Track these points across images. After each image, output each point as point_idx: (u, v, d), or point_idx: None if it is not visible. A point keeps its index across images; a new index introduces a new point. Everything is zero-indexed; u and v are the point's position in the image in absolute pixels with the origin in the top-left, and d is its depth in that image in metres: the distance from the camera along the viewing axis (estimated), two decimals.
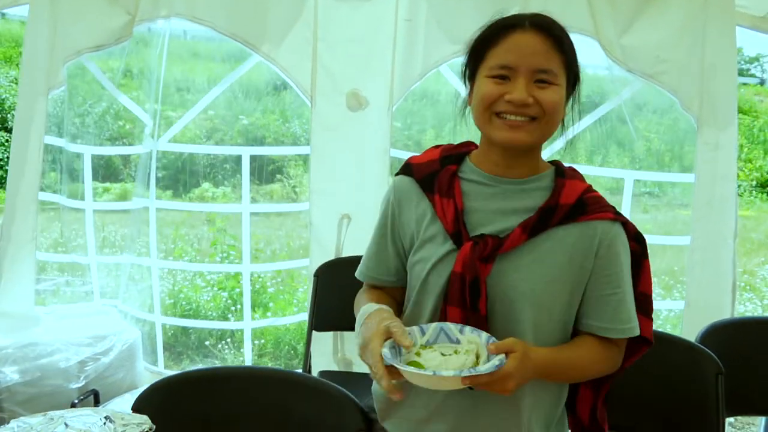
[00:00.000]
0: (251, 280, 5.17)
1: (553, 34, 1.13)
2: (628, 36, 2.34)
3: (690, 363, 1.87)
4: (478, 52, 1.18)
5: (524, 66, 1.12)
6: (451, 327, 1.13)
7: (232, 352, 3.83)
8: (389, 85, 2.54)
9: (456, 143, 1.31)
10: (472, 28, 2.46)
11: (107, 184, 6.22)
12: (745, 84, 19.66)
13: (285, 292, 4.83)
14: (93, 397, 2.44)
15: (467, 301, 1.15)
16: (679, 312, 2.41)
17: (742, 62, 20.47)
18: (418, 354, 1.08)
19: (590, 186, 1.24)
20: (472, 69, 1.20)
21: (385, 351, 1.05)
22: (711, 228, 2.34)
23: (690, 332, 2.13)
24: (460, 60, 2.51)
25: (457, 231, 1.19)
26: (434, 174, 1.25)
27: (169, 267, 4.80)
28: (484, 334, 1.10)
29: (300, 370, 2.39)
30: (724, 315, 2.26)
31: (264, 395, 1.41)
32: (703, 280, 2.37)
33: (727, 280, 2.35)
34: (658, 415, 1.88)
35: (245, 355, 2.89)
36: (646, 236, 1.27)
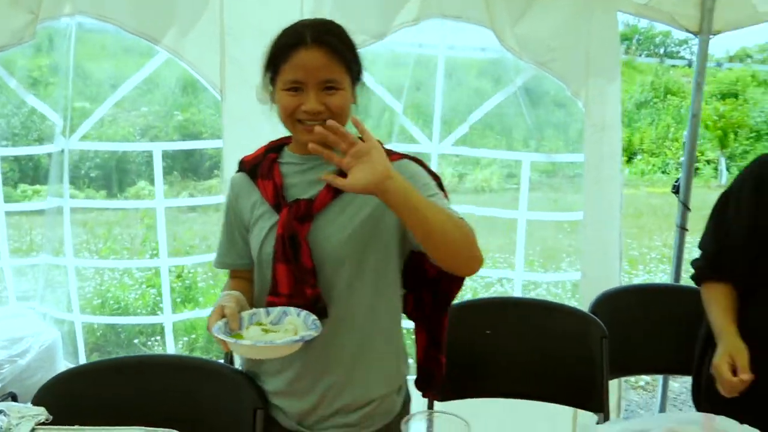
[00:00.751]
0: (183, 275, 5.18)
1: (332, 47, 1.34)
2: (521, 25, 2.46)
3: (578, 329, 2.03)
4: (274, 66, 1.37)
5: (312, 80, 1.33)
6: (292, 311, 1.34)
7: (160, 347, 3.84)
8: None
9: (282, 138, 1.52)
10: (376, 18, 2.54)
11: (37, 186, 6.05)
12: (674, 66, 20.52)
13: (216, 287, 4.86)
14: (11, 399, 2.43)
15: (290, 256, 1.36)
16: (578, 282, 2.56)
17: (672, 45, 21.34)
18: (247, 328, 1.31)
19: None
20: (272, 77, 1.39)
21: (219, 325, 1.26)
22: (600, 204, 2.51)
23: (586, 301, 2.28)
24: (368, 49, 2.59)
25: (278, 203, 1.41)
26: (258, 164, 1.47)
27: (88, 266, 4.76)
28: (311, 317, 1.32)
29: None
30: (614, 284, 2.43)
31: (164, 381, 1.47)
32: (595, 252, 2.54)
33: (615, 251, 2.53)
34: (552, 380, 2.03)
35: (168, 349, 2.91)
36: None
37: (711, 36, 2.53)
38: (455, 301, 2.12)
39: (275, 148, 1.51)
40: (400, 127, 2.59)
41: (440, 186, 1.46)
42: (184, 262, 4.77)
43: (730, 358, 1.39)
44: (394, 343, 1.53)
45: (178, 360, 1.71)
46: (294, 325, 1.31)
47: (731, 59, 23.38)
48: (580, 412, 2.00)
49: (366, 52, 2.53)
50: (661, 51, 21.55)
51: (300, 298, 1.36)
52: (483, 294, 4.33)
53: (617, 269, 2.54)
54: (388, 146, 1.38)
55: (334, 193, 1.40)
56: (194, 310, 4.10)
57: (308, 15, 2.56)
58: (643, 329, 2.19)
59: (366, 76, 2.70)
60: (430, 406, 1.98)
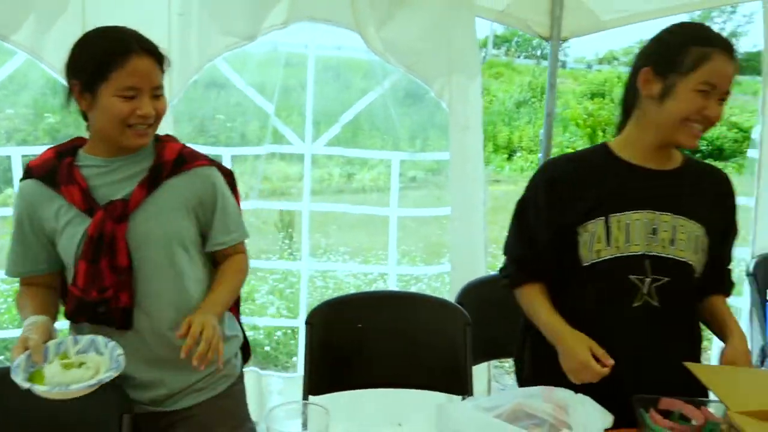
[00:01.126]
0: None
1: (155, 54, 1.45)
2: (386, 30, 2.55)
3: (444, 318, 2.14)
4: (100, 73, 1.39)
5: (146, 86, 1.42)
6: (100, 340, 1.39)
7: None
8: (168, 80, 2.55)
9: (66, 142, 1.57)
10: (245, 20, 2.54)
11: None
12: (547, 67, 21.66)
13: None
14: None
15: (91, 256, 1.44)
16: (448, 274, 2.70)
17: (548, 47, 22.56)
18: (50, 363, 1.32)
19: (185, 145, 1.61)
20: (92, 83, 1.41)
21: (19, 360, 1.29)
22: (466, 200, 2.66)
23: (455, 291, 2.40)
24: (237, 51, 2.58)
25: (89, 207, 1.45)
26: (54, 170, 1.48)
27: None
28: (117, 351, 1.37)
29: None
30: (480, 275, 2.58)
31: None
32: (463, 245, 2.68)
33: (480, 244, 2.69)
34: (422, 368, 2.13)
35: None
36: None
37: (560, 42, 2.74)
38: (331, 298, 2.18)
39: (66, 152, 1.51)
40: (273, 129, 2.62)
41: (233, 184, 1.67)
42: None
43: (590, 351, 1.46)
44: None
45: None
46: (95, 363, 1.35)
47: (600, 61, 25.08)
48: (448, 396, 2.10)
49: (237, 52, 2.56)
50: (538, 53, 22.75)
51: (95, 294, 1.45)
52: (366, 289, 4.43)
53: (483, 261, 2.69)
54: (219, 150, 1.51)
55: (147, 191, 1.48)
56: None
57: (175, 16, 2.53)
58: (505, 316, 2.33)
59: (236, 78, 2.71)
60: (305, 398, 2.03)
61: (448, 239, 2.69)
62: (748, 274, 2.76)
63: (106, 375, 1.30)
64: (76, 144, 1.54)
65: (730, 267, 1.67)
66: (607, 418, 1.35)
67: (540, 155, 2.88)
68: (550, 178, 1.58)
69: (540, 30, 2.72)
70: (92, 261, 1.44)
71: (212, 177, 1.59)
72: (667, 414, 1.42)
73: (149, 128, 1.47)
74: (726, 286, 1.67)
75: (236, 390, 1.72)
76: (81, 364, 1.33)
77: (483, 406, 1.46)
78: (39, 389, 1.24)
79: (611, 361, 1.43)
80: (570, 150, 14.06)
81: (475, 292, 2.36)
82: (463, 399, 2.06)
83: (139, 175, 1.51)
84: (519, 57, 20.87)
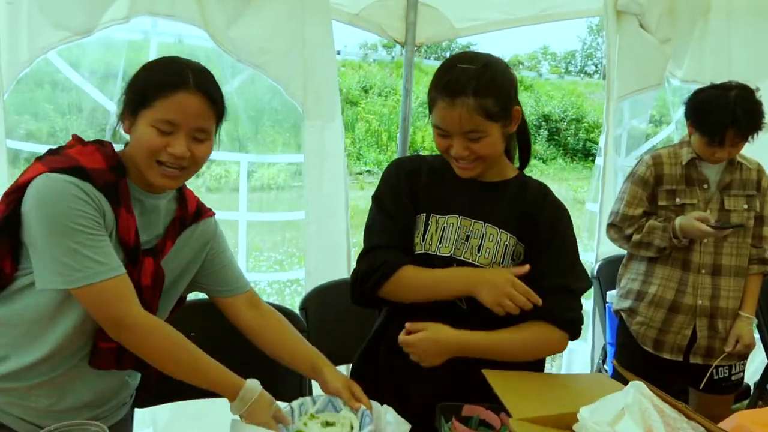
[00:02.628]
0: None
1: (211, 96, 1.34)
2: (236, 28, 2.48)
3: None
4: (145, 97, 1.30)
5: (186, 125, 1.30)
6: (338, 400, 1.44)
7: None
8: None
9: (103, 145, 1.37)
10: (81, 15, 2.39)
11: None
12: None
13: None
14: None
15: (153, 307, 1.40)
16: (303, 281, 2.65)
17: (457, 49, 23.04)
18: (305, 424, 1.37)
19: (192, 191, 1.57)
20: (136, 104, 1.31)
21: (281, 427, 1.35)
22: (323, 202, 2.62)
23: None
24: (68, 46, 2.41)
25: (135, 246, 1.35)
26: (114, 185, 1.31)
27: None
28: (361, 409, 1.40)
29: None
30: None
31: None
32: (320, 250, 2.64)
33: (342, 248, 2.66)
34: (256, 376, 2.08)
35: None
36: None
37: (415, 47, 2.76)
38: None
39: (119, 169, 1.34)
40: (114, 129, 2.48)
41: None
42: None
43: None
44: None
45: None
46: (349, 419, 1.39)
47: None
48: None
49: (72, 45, 2.40)
50: (447, 54, 23.20)
51: None
52: None
53: (345, 267, 2.65)
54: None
55: (174, 238, 1.46)
56: None
57: (3, 5, 2.35)
58: (351, 320, 2.32)
59: (73, 74, 2.54)
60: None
61: (304, 244, 2.64)
62: (593, 277, 2.89)
63: (371, 428, 1.33)
64: (120, 159, 1.36)
65: (559, 295, 1.49)
66: (403, 427, 1.36)
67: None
68: (400, 167, 1.61)
69: (395, 35, 2.73)
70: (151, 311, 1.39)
71: (216, 227, 1.60)
72: (468, 420, 1.45)
73: (182, 172, 1.35)
74: (557, 316, 1.49)
75: (127, 418, 1.64)
76: (333, 423, 1.38)
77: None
78: None
79: (526, 268, 1.45)
80: None
81: (319, 297, 2.32)
82: None
83: (163, 217, 1.45)
84: (428, 58, 21.15)
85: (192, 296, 1.76)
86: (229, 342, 2.05)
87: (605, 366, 2.88)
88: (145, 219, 1.40)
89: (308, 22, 2.56)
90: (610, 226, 2.38)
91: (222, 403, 2.27)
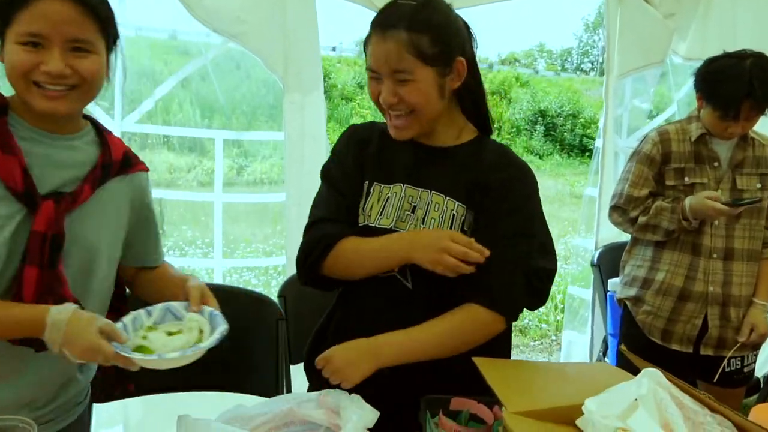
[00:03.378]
0: None
1: (85, 1, 1.12)
2: None
3: (256, 313, 1.93)
4: (4, 11, 1.11)
5: (58, 36, 1.11)
6: (176, 305, 1.23)
7: None
8: None
9: None
10: None
11: None
12: None
13: None
14: None
15: (45, 260, 1.15)
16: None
17: None
18: (144, 337, 1.15)
19: (122, 140, 1.36)
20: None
21: (115, 345, 1.08)
22: (305, 184, 2.44)
23: None
24: None
25: (27, 191, 1.14)
26: None
27: None
28: (207, 309, 1.21)
29: None
30: None
31: None
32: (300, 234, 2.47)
33: None
34: (230, 367, 1.91)
35: None
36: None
37: None
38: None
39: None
40: None
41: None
42: None
43: None
44: None
45: None
46: (197, 323, 1.19)
47: (502, 62, 25.83)
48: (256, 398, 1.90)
49: None
50: None
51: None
52: None
53: None
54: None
55: (93, 187, 1.23)
56: None
57: None
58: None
59: None
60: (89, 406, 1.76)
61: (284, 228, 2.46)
62: (592, 265, 2.72)
63: (224, 327, 1.16)
64: (3, 100, 1.20)
65: (495, 270, 1.30)
66: (370, 416, 1.20)
67: None
68: (352, 136, 1.47)
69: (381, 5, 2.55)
70: (49, 266, 1.15)
71: (148, 185, 1.39)
72: (457, 414, 1.29)
73: (68, 92, 1.14)
74: (484, 294, 1.30)
75: (83, 420, 1.47)
76: (177, 331, 1.18)
77: (249, 414, 1.28)
78: (172, 356, 1.10)
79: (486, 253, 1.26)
80: None
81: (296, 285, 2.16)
82: None
83: (78, 167, 1.23)
84: None
85: None
86: None
87: (606, 359, 2.72)
88: (54, 162, 1.20)
89: None
90: (614, 208, 2.21)
91: (200, 398, 2.13)
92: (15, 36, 1.10)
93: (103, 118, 2.33)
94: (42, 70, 1.11)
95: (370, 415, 1.20)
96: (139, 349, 1.12)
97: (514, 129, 15.36)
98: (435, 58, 1.25)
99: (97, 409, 1.79)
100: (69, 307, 1.10)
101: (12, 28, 1.11)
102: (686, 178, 2.08)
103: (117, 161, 1.29)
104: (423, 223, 1.33)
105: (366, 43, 1.30)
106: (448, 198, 1.33)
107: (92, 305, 1.27)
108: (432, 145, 1.38)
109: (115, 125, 2.34)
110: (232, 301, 1.93)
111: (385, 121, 1.40)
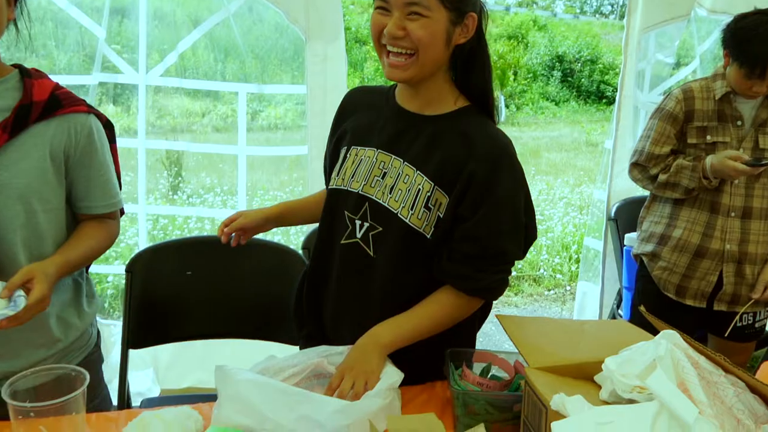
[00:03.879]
0: None
1: None
2: None
3: (279, 264, 1.99)
4: None
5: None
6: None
7: None
8: None
9: None
10: None
11: None
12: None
13: None
14: None
15: None
16: None
17: None
18: None
19: (58, 84, 1.35)
20: None
21: None
22: (324, 136, 2.46)
23: None
24: None
25: None
26: None
27: None
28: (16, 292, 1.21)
29: None
30: None
31: None
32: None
33: None
34: (259, 316, 1.98)
35: None
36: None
37: None
38: (153, 243, 2.00)
39: None
40: (103, 57, 2.31)
41: (112, 138, 1.46)
42: None
43: None
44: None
45: None
46: None
47: (519, 4, 25.11)
48: (285, 346, 1.97)
49: None
50: None
51: None
52: None
53: None
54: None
55: (9, 135, 1.25)
56: None
57: None
58: None
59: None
60: (125, 353, 1.85)
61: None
62: (609, 219, 2.75)
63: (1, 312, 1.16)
64: None
65: (475, 261, 1.32)
66: (395, 377, 1.26)
67: None
68: (343, 101, 1.52)
69: None
70: None
71: (89, 127, 1.36)
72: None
73: None
74: (463, 281, 1.33)
75: (92, 360, 1.52)
76: None
77: (280, 366, 1.34)
78: None
79: None
80: None
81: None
82: None
83: (1, 113, 1.26)
84: None
85: (190, 234, 1.64)
86: (223, 283, 1.97)
87: (620, 311, 2.78)
88: None
89: None
90: (634, 165, 2.22)
91: (226, 345, 2.21)
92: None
93: (128, 71, 2.36)
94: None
95: (395, 375, 1.26)
96: None
97: (531, 74, 15.11)
98: (452, 1, 1.23)
99: (131, 353, 1.89)
100: None
101: None
102: (708, 137, 2.08)
103: (39, 103, 1.29)
104: (390, 193, 1.32)
105: None
106: (418, 172, 1.31)
107: (49, 254, 1.33)
108: (415, 111, 1.36)
109: (140, 78, 2.36)
110: (259, 252, 2.01)
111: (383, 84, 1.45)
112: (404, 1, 1.21)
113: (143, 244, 2.64)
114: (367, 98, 1.46)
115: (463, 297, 1.35)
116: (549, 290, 4.86)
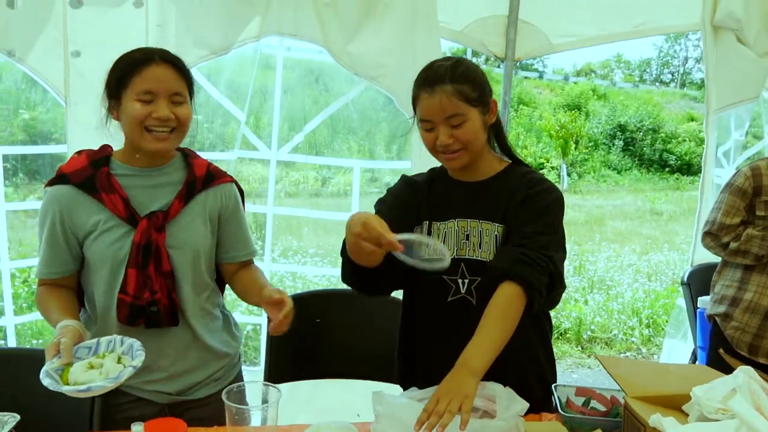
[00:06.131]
0: (29, 281, 5.02)
1: (177, 65, 1.58)
2: (353, 44, 2.72)
3: (394, 314, 2.29)
4: (121, 81, 1.54)
5: (164, 90, 1.54)
6: (118, 339, 1.47)
7: None
8: None
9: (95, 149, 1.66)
10: (220, 35, 2.69)
11: None
12: (526, 77, 22.06)
13: None
14: None
15: (141, 263, 1.58)
16: None
17: (526, 58, 23.00)
18: (70, 364, 1.38)
19: (209, 161, 1.74)
20: (117, 92, 1.55)
21: (52, 362, 1.37)
22: None
23: None
24: (207, 63, 2.71)
25: (130, 215, 1.58)
26: (92, 177, 1.58)
27: None
28: (128, 342, 1.46)
29: None
30: None
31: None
32: None
33: None
34: (377, 359, 2.28)
35: None
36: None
37: (515, 62, 2.93)
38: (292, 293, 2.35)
39: (100, 161, 1.62)
40: (243, 137, 2.77)
41: (242, 199, 1.79)
42: (29, 264, 4.59)
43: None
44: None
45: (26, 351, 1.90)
46: (116, 353, 1.44)
47: (578, 73, 25.51)
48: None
49: (210, 62, 2.70)
50: (517, 63, 23.04)
51: (148, 296, 1.58)
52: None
53: None
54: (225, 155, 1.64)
55: (183, 203, 1.63)
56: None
57: (154, 27, 2.67)
58: None
59: (211, 87, 2.84)
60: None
61: None
62: (682, 284, 2.98)
63: (121, 373, 1.35)
64: (107, 153, 1.65)
65: (527, 251, 1.51)
66: (520, 405, 1.50)
67: None
68: (406, 180, 1.78)
69: (495, 50, 2.91)
70: (142, 267, 1.57)
71: (234, 194, 1.75)
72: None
73: (171, 134, 1.57)
74: (510, 267, 1.49)
75: (240, 377, 1.87)
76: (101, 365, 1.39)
77: (419, 396, 1.60)
78: (66, 390, 1.31)
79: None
80: (543, 160, 14.48)
81: None
82: None
83: (173, 186, 1.65)
84: (498, 67, 20.96)
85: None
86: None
87: None
88: (153, 191, 1.61)
89: (419, 39, 2.76)
90: (707, 234, 2.48)
91: (332, 385, 2.49)
92: (133, 95, 1.51)
93: (263, 149, 2.81)
94: (154, 116, 1.52)
95: (520, 404, 1.48)
96: (64, 373, 1.36)
97: (592, 143, 15.32)
98: (477, 100, 1.54)
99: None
100: (68, 324, 1.45)
101: (129, 89, 1.52)
102: None
103: (200, 177, 1.67)
104: (480, 248, 1.60)
105: (415, 100, 1.59)
106: (493, 223, 1.61)
107: (203, 292, 1.71)
108: (474, 180, 1.66)
109: (272, 155, 2.80)
110: (371, 302, 2.31)
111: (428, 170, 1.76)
112: (444, 117, 1.52)
113: None
114: (425, 180, 1.74)
115: (510, 293, 1.48)
116: (620, 353, 4.99)
